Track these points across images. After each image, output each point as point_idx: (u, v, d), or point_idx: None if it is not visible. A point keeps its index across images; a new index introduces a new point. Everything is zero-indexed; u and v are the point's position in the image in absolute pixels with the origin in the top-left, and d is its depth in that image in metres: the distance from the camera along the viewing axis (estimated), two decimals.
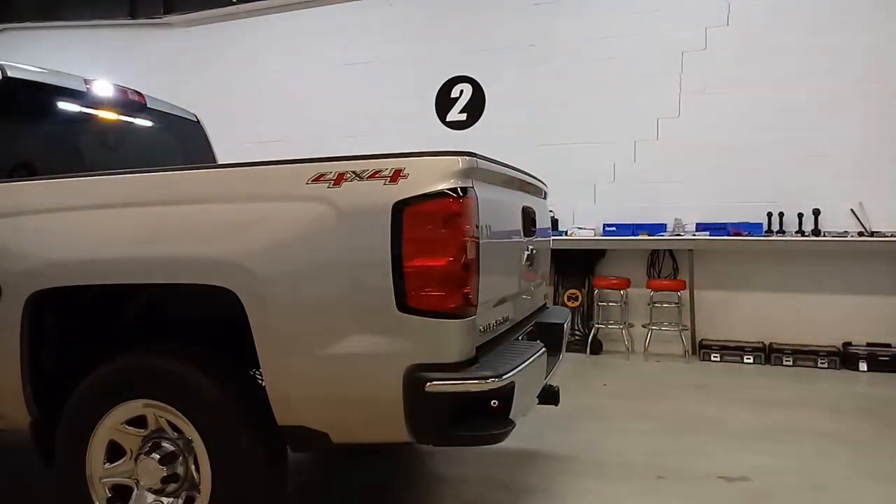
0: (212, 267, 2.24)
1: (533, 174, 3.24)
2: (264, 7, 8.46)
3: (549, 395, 2.90)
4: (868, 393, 5.33)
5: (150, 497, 2.39)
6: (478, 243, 2.16)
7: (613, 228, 6.85)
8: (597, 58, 7.08)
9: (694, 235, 6.51)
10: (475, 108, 7.61)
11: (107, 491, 2.44)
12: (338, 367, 2.14)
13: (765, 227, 6.43)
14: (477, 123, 7.60)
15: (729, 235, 6.34)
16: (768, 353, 6.27)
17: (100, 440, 2.42)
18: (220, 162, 3.94)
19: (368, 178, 2.11)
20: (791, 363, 6.13)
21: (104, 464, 2.43)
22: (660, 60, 6.85)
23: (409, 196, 2.07)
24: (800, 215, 6.29)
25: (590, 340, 6.79)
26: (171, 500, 2.39)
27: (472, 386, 2.07)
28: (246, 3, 8.49)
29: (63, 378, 2.53)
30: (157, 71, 8.47)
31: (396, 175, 2.09)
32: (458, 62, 7.65)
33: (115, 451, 2.44)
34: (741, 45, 6.60)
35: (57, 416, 2.48)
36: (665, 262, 6.89)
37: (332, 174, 2.14)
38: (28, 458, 2.64)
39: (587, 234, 6.90)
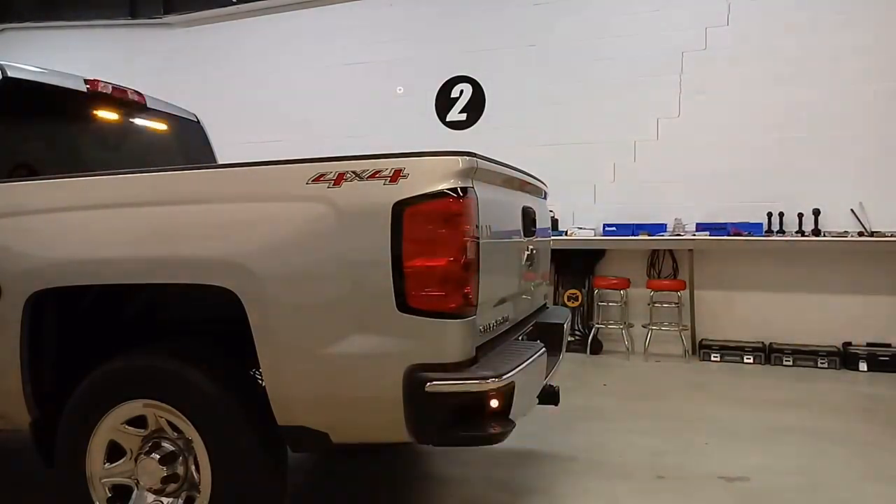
0: (212, 267, 2.24)
1: (533, 174, 3.24)
2: (264, 7, 8.46)
3: (549, 395, 2.89)
4: (868, 393, 5.33)
5: (150, 497, 2.39)
6: (478, 243, 2.16)
7: (613, 228, 6.85)
8: (597, 58, 7.09)
9: (694, 235, 6.51)
10: (475, 108, 7.61)
11: (107, 491, 2.44)
12: (338, 368, 2.14)
13: (765, 227, 6.43)
14: (477, 123, 7.60)
15: (729, 235, 6.33)
16: (768, 353, 6.27)
17: (100, 440, 2.42)
18: (220, 162, 3.94)
19: (368, 178, 2.11)
20: (791, 363, 6.13)
21: (104, 464, 2.43)
22: (660, 60, 6.85)
23: (409, 196, 2.07)
24: (800, 215, 6.29)
25: (590, 340, 6.79)
26: (171, 500, 2.39)
27: (472, 386, 2.07)
28: (246, 3, 8.49)
29: (63, 378, 2.53)
30: (157, 71, 8.48)
31: (396, 175, 2.09)
32: (458, 62, 7.66)
33: (115, 451, 2.44)
34: (741, 45, 6.60)
35: (57, 416, 2.48)
36: (665, 262, 6.89)
37: (332, 174, 2.14)
38: (28, 458, 2.64)
39: (587, 234, 6.90)
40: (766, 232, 6.41)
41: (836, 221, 6.23)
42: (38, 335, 2.50)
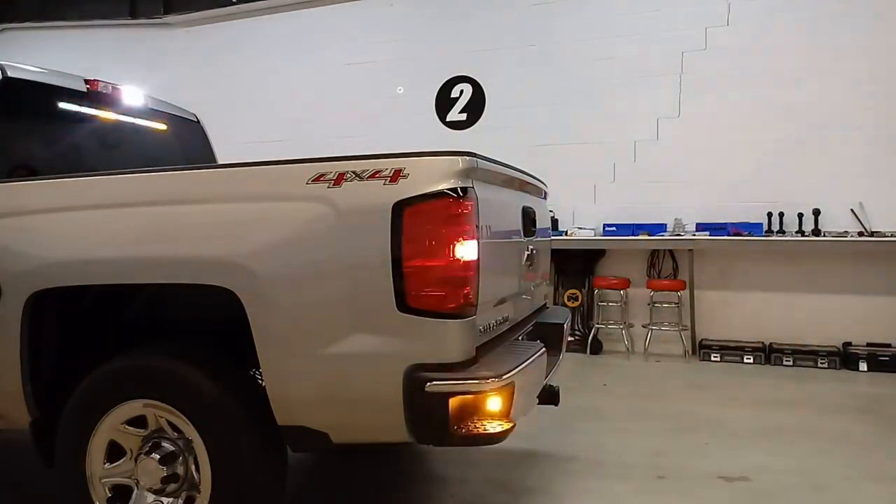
0: (212, 267, 2.24)
1: (533, 174, 3.24)
2: (264, 7, 8.47)
3: (549, 395, 2.89)
4: (868, 393, 5.32)
5: (150, 497, 2.39)
6: (478, 243, 2.16)
7: (613, 228, 6.85)
8: (597, 58, 7.09)
9: (694, 235, 6.51)
10: (475, 108, 7.61)
11: (107, 491, 2.44)
12: (338, 367, 2.14)
13: (765, 227, 6.43)
14: (477, 123, 7.60)
15: (729, 235, 6.34)
16: (768, 353, 6.26)
17: (100, 440, 2.42)
18: (220, 162, 3.94)
19: (368, 178, 2.11)
20: (791, 363, 6.13)
21: (104, 464, 2.43)
22: (660, 60, 6.85)
23: (409, 196, 2.07)
24: (800, 215, 6.29)
25: (590, 340, 6.79)
26: (171, 500, 2.39)
27: (472, 386, 2.07)
28: (246, 3, 8.49)
29: (63, 378, 2.53)
30: (157, 71, 8.47)
31: (396, 175, 2.09)
32: (458, 62, 7.66)
33: (115, 451, 2.44)
34: (741, 45, 6.60)
35: (57, 416, 2.48)
36: (665, 262, 6.89)
37: (333, 174, 2.14)
38: (28, 458, 2.64)
39: (587, 234, 6.90)
40: (766, 232, 6.41)
41: (836, 221, 6.22)
42: (38, 335, 2.49)
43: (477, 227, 2.16)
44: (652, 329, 6.61)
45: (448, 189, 2.08)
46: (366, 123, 7.81)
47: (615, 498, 3.17)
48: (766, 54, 6.51)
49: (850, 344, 6.12)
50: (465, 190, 2.10)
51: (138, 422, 2.40)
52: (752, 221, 6.40)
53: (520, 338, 2.83)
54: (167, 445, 2.37)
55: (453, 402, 2.07)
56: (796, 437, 4.06)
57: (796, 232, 6.30)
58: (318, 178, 2.15)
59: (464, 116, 7.65)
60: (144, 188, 2.44)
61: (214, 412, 2.29)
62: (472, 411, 2.13)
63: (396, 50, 7.89)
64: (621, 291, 6.80)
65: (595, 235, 6.90)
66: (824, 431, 4.16)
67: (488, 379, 2.08)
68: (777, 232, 6.40)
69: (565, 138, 7.14)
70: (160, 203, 2.37)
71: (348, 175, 2.13)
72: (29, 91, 2.99)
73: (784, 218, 6.39)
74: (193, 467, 2.35)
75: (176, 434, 2.37)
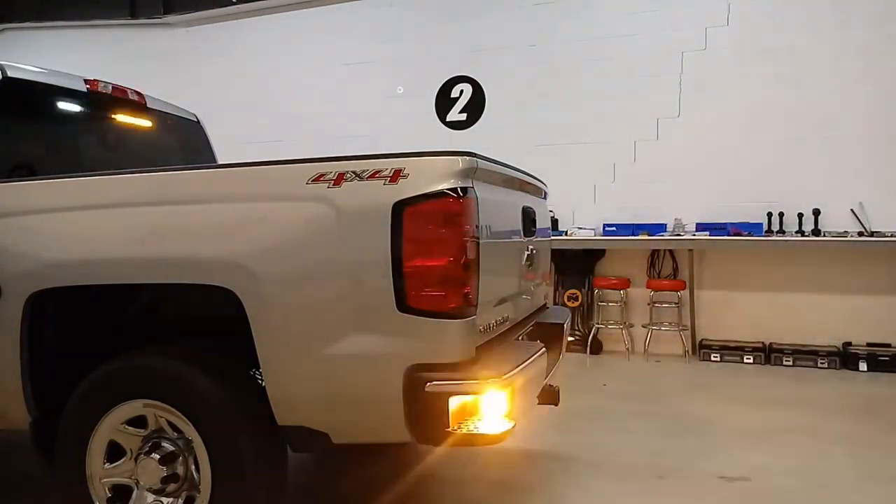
0: (212, 267, 2.24)
1: (533, 174, 3.24)
2: (264, 7, 8.47)
3: (549, 395, 2.89)
4: (868, 393, 5.33)
5: (150, 497, 2.39)
6: (478, 243, 2.16)
7: (613, 228, 6.85)
8: (597, 58, 7.09)
9: (694, 235, 6.51)
10: (475, 108, 7.61)
11: (107, 491, 2.44)
12: (338, 367, 2.14)
13: (765, 227, 6.43)
14: (477, 123, 7.60)
15: (729, 235, 6.33)
16: (768, 353, 6.26)
17: (100, 440, 2.42)
18: (220, 162, 3.94)
19: (368, 178, 2.11)
20: (791, 363, 6.13)
21: (104, 464, 2.43)
22: (660, 60, 6.85)
23: (409, 196, 2.07)
24: (800, 215, 6.29)
25: (590, 340, 6.79)
26: (171, 500, 2.39)
27: (472, 386, 2.07)
28: (246, 2, 8.49)
29: (63, 378, 2.53)
30: (157, 71, 8.47)
31: (396, 175, 2.09)
32: (458, 62, 7.66)
33: (115, 451, 2.44)
34: (741, 45, 6.60)
35: (57, 416, 2.48)
36: (665, 262, 6.89)
37: (332, 174, 2.14)
38: (28, 458, 2.64)
39: (587, 234, 6.90)
40: (766, 232, 6.41)
41: (836, 221, 6.22)
42: (38, 335, 2.50)
43: (477, 226, 2.16)
44: (652, 329, 6.61)
45: (448, 189, 2.08)
46: (366, 123, 7.81)
47: (615, 498, 3.17)
48: (766, 54, 6.50)
49: (850, 344, 6.12)
50: (465, 190, 2.10)
51: (138, 422, 2.40)
52: (752, 221, 6.39)
53: (520, 338, 2.83)
54: (167, 445, 2.37)
55: (453, 402, 2.07)
56: (796, 437, 4.06)
57: (796, 232, 6.29)
58: (318, 178, 2.15)
59: (464, 116, 7.65)
60: (144, 188, 2.44)
61: (214, 412, 2.29)
62: (472, 411, 2.13)
63: (396, 50, 7.89)
64: (621, 291, 6.80)
65: (595, 235, 6.90)
66: (824, 431, 4.16)
67: (488, 379, 2.08)
68: (777, 232, 6.40)
69: (565, 138, 7.14)
70: (160, 203, 2.37)
71: (348, 175, 2.13)
72: (29, 91, 2.99)
73: (784, 218, 6.39)
74: (193, 467, 2.35)
75: (176, 434, 2.37)
